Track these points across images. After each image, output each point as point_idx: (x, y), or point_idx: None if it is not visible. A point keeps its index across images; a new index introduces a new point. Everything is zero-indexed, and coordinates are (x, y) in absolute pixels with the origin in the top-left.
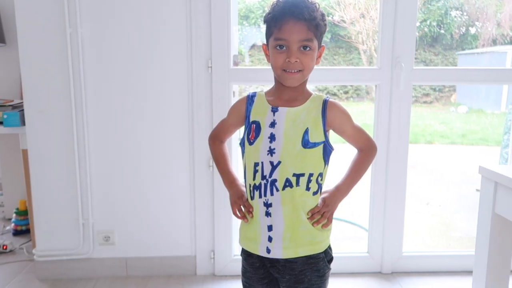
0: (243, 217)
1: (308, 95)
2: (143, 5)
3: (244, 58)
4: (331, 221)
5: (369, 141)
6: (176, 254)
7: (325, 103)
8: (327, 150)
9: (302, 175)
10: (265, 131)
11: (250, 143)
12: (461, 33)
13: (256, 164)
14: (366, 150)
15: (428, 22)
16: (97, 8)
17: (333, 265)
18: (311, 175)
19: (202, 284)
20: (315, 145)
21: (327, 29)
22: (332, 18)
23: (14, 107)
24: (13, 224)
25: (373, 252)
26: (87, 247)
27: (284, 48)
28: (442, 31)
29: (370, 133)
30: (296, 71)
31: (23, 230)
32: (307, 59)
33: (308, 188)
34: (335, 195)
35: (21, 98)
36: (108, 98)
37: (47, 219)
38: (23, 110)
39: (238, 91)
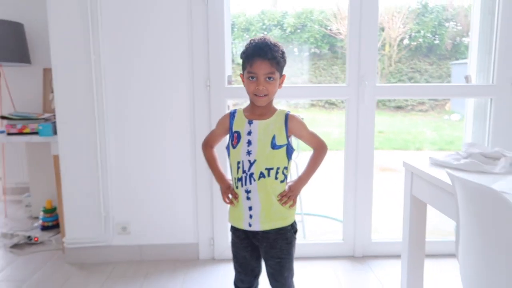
0: (230, 202)
1: (274, 110)
2: (154, 35)
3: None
4: (295, 203)
5: (321, 142)
6: (182, 241)
7: (286, 116)
8: (289, 150)
9: (272, 168)
10: (244, 138)
11: (234, 147)
12: (455, 43)
13: (238, 162)
14: (319, 149)
15: (422, 33)
16: (116, 38)
17: (314, 251)
18: (278, 168)
19: (204, 266)
20: (280, 147)
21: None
22: (329, 30)
23: (46, 119)
24: (41, 221)
25: (347, 239)
26: (108, 236)
27: (254, 78)
28: (436, 42)
29: (342, 139)
30: (263, 95)
31: (50, 226)
32: (271, 86)
33: (276, 178)
34: (298, 183)
35: (43, 110)
36: (125, 111)
37: (75, 213)
38: (53, 122)
39: (232, 105)
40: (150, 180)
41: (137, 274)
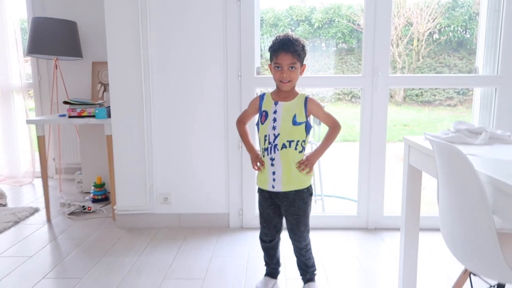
0: (258, 169)
1: (296, 94)
2: (194, 33)
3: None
4: (311, 170)
5: (335, 121)
6: (215, 211)
7: (306, 99)
8: (307, 127)
9: (292, 141)
10: (271, 116)
11: (262, 123)
12: None
13: (265, 136)
14: (333, 127)
15: (452, 28)
16: (161, 34)
17: (332, 222)
18: (298, 141)
19: (234, 233)
20: (300, 123)
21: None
22: (357, 25)
23: (100, 105)
24: (92, 194)
25: (361, 213)
26: (152, 205)
27: (280, 68)
28: (467, 36)
29: (358, 124)
30: (287, 81)
31: (99, 198)
32: (293, 74)
33: (296, 149)
34: (314, 154)
35: (92, 98)
36: (168, 98)
37: (124, 185)
38: (107, 107)
39: (260, 92)
40: (188, 157)
41: (176, 237)
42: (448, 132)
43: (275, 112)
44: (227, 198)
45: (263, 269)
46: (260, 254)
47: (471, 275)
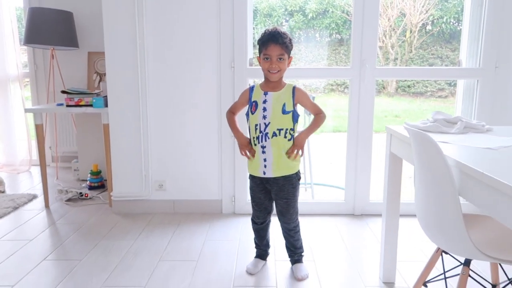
0: (245, 154)
1: (284, 84)
2: (189, 25)
3: None
4: (303, 152)
5: (319, 110)
6: (208, 198)
7: (293, 88)
8: (295, 116)
9: (282, 129)
10: (260, 106)
11: (252, 113)
12: None
13: (256, 125)
14: (318, 114)
15: (444, 19)
16: (157, 25)
17: (320, 208)
18: (287, 129)
19: (226, 218)
20: (288, 112)
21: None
22: (351, 16)
23: (97, 94)
24: (88, 182)
25: (348, 199)
26: (147, 191)
27: (269, 59)
28: (460, 28)
29: (345, 114)
30: (276, 71)
31: (96, 186)
32: (282, 64)
33: (285, 137)
34: (300, 136)
35: (88, 88)
36: (164, 88)
37: (120, 172)
38: (104, 96)
39: (252, 82)
40: (182, 146)
41: (171, 222)
42: (427, 121)
43: (264, 101)
44: (220, 185)
45: (253, 251)
46: (251, 238)
47: (443, 253)
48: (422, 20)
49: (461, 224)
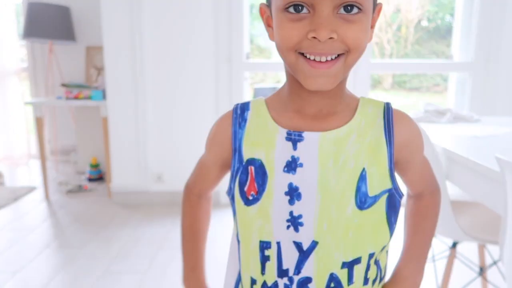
0: None
1: (353, 102)
2: (186, 19)
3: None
4: None
5: (434, 179)
6: None
7: (388, 112)
8: (395, 202)
9: (358, 261)
10: (278, 180)
11: (248, 202)
12: None
13: (265, 245)
14: (430, 195)
15: (440, 15)
16: (155, 20)
17: None
18: (371, 256)
19: (223, 209)
20: (376, 199)
21: None
22: None
23: (96, 87)
24: (87, 174)
25: None
26: (146, 183)
27: (305, 10)
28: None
29: None
30: (332, 58)
31: (95, 178)
32: (354, 31)
33: (366, 281)
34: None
35: (86, 81)
36: (161, 81)
37: (119, 165)
38: (102, 89)
39: (249, 77)
40: (180, 138)
41: (169, 213)
42: (418, 112)
43: (292, 166)
44: None
45: None
46: None
47: None
48: (418, 16)
49: (448, 207)
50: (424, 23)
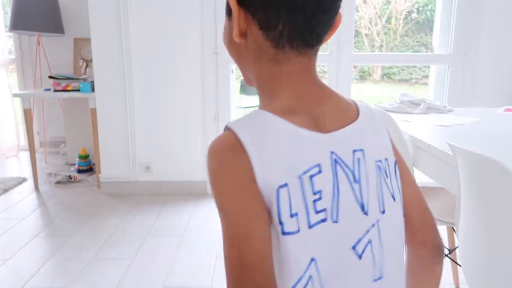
0: None
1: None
2: (172, 10)
3: None
4: None
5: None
6: (193, 179)
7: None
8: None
9: None
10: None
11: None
12: None
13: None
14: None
15: (429, 7)
16: (142, 12)
17: None
18: None
19: (210, 199)
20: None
21: None
22: None
23: (84, 79)
24: (77, 165)
25: None
26: (134, 173)
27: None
28: None
29: None
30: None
31: (84, 169)
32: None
33: None
34: None
35: (74, 73)
36: (149, 73)
37: (108, 155)
38: (90, 81)
39: (235, 69)
40: (168, 129)
41: (157, 202)
42: (394, 103)
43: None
44: (204, 167)
45: None
46: None
47: None
48: (407, 7)
49: None
50: (414, 15)
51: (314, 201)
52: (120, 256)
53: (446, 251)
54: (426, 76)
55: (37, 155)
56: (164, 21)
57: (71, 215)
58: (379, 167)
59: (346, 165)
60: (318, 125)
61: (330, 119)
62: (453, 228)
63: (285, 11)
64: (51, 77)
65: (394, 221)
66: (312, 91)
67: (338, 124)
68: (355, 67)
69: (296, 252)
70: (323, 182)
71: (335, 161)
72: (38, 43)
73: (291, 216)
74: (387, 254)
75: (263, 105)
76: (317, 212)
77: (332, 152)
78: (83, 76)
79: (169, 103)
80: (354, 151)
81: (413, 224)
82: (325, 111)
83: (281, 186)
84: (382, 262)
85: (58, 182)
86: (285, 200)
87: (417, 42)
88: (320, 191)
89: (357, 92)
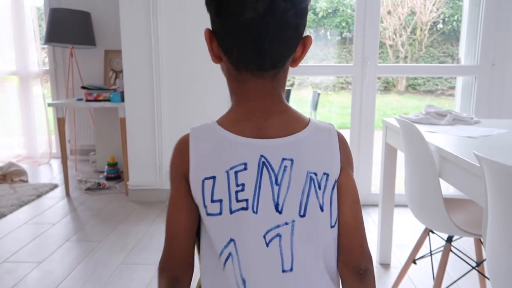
0: None
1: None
2: (200, 20)
3: None
4: None
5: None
6: None
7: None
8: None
9: None
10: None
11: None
12: None
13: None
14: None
15: (455, 17)
16: (171, 24)
17: None
18: None
19: None
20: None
21: None
22: None
23: (115, 90)
24: (105, 173)
25: None
26: (161, 181)
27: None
28: None
29: (348, 111)
30: None
31: (113, 176)
32: None
33: None
34: None
35: (104, 84)
36: (177, 83)
37: (136, 163)
38: (120, 92)
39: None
40: None
41: None
42: (419, 114)
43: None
44: None
45: None
46: None
47: (430, 233)
48: (432, 18)
49: (441, 202)
50: (440, 25)
51: (237, 191)
52: (147, 261)
53: (474, 264)
54: (452, 87)
55: (68, 163)
56: (193, 32)
57: (101, 221)
58: (310, 178)
59: (272, 169)
60: (259, 134)
61: (274, 130)
62: (480, 240)
63: (237, 39)
64: (83, 87)
65: (315, 227)
66: (262, 108)
67: (279, 135)
68: (379, 78)
69: (217, 230)
70: (247, 177)
71: (263, 163)
72: (71, 55)
73: (213, 201)
74: (299, 251)
75: (222, 115)
76: (238, 201)
77: (262, 155)
78: (113, 87)
79: (196, 112)
80: (284, 159)
81: (341, 243)
82: (271, 124)
83: (206, 178)
84: (291, 257)
85: (88, 189)
86: (208, 189)
87: (443, 53)
88: (243, 184)
89: (381, 103)
